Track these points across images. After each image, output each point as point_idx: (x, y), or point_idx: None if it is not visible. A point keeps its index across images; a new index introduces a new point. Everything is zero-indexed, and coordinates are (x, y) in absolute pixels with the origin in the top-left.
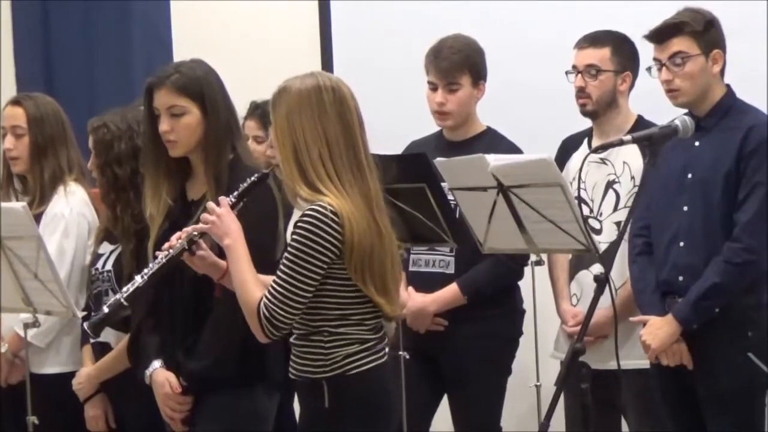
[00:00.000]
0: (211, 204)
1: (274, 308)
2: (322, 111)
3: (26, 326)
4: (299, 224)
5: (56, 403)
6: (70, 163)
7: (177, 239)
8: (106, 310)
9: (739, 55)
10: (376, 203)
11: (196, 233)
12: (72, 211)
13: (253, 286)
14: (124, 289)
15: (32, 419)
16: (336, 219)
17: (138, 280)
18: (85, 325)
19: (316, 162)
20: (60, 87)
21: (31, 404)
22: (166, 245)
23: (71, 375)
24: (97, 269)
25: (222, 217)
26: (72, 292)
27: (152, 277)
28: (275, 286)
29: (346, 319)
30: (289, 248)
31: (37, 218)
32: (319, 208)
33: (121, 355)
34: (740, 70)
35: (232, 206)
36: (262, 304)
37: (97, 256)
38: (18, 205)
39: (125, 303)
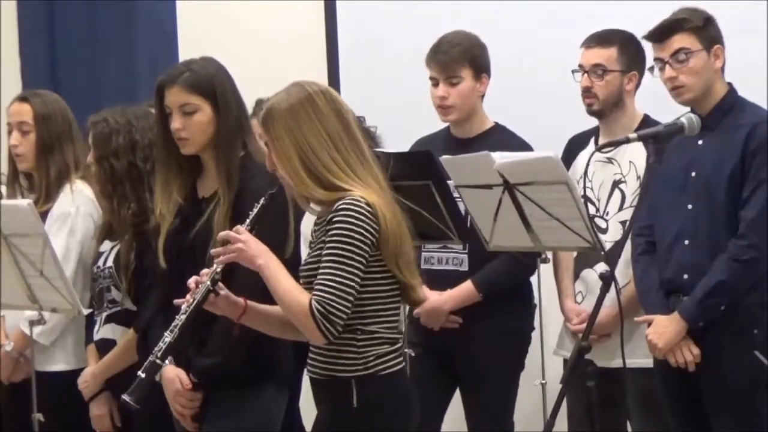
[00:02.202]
0: (228, 233)
1: (327, 302)
2: (320, 114)
3: (32, 324)
4: (337, 218)
5: (61, 400)
6: (77, 160)
7: (196, 283)
8: (142, 374)
9: (739, 55)
10: (388, 191)
11: (218, 271)
12: (78, 210)
13: (298, 293)
14: (156, 349)
15: (38, 416)
16: (371, 210)
17: (168, 336)
18: (125, 396)
19: (328, 162)
20: (65, 85)
21: (36, 402)
22: (188, 295)
23: (76, 372)
24: (98, 267)
25: (247, 242)
26: (78, 291)
27: (182, 329)
28: (324, 281)
29: (379, 317)
30: (329, 244)
31: (43, 216)
32: (354, 201)
33: (125, 351)
34: (740, 70)
35: (249, 231)
36: (313, 302)
37: (97, 255)
38: (23, 202)
39: (160, 362)
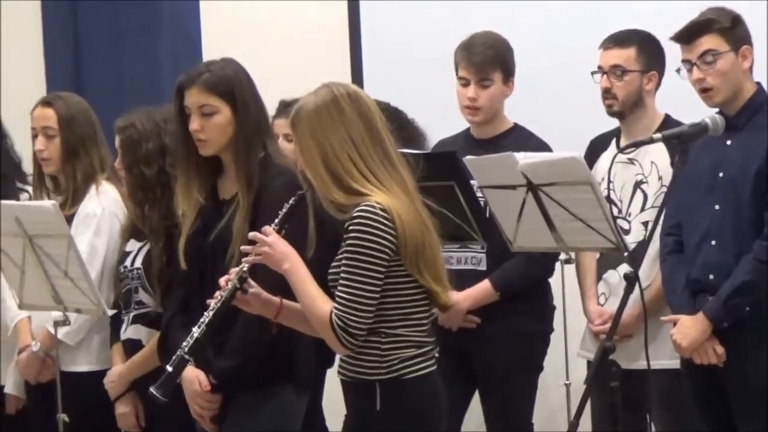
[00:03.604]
0: (256, 234)
1: (346, 316)
2: (343, 116)
3: (56, 324)
4: (352, 227)
5: (86, 401)
6: (102, 162)
7: (226, 282)
8: (170, 368)
9: None
10: (415, 194)
11: (245, 270)
12: (104, 211)
13: (321, 302)
14: (184, 344)
15: (62, 417)
16: (387, 216)
17: (195, 331)
18: (152, 389)
19: (349, 166)
20: (89, 86)
21: (61, 402)
22: (217, 293)
23: (101, 373)
24: (125, 267)
25: (274, 245)
26: (104, 291)
27: (209, 326)
28: (342, 294)
29: (405, 320)
30: (347, 253)
31: (71, 219)
32: (369, 208)
33: (153, 353)
34: None
35: (278, 232)
36: (333, 315)
37: (124, 254)
38: (48, 203)
39: (188, 357)
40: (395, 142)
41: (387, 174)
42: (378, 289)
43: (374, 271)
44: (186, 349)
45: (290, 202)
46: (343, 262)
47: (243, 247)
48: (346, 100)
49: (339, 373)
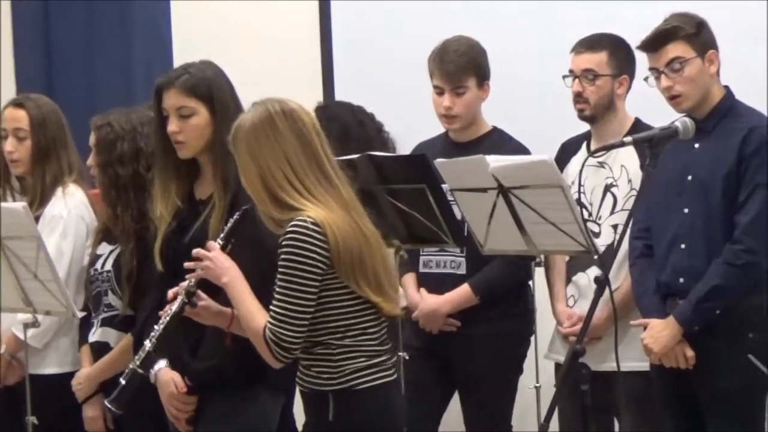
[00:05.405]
0: (199, 250)
1: (279, 330)
2: (278, 134)
3: (26, 326)
4: (284, 243)
5: (54, 403)
6: (70, 164)
7: (174, 295)
8: (123, 381)
9: (740, 57)
10: (353, 207)
11: (192, 284)
12: (70, 213)
13: (257, 316)
14: (136, 357)
15: (31, 419)
16: (318, 229)
17: (147, 344)
18: (107, 402)
19: (283, 182)
20: (60, 88)
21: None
22: (167, 306)
23: (69, 375)
24: (96, 270)
25: (215, 260)
26: (70, 293)
27: (159, 339)
28: (275, 308)
29: (349, 330)
30: (279, 269)
31: (36, 220)
32: (300, 222)
33: (122, 355)
34: (741, 72)
35: (222, 248)
36: (266, 329)
37: (95, 257)
38: (18, 205)
39: (140, 370)
40: (333, 154)
41: (322, 189)
42: (311, 302)
43: (307, 285)
44: (138, 363)
45: (234, 217)
46: (277, 276)
47: (186, 264)
48: (281, 117)
49: (297, 383)
